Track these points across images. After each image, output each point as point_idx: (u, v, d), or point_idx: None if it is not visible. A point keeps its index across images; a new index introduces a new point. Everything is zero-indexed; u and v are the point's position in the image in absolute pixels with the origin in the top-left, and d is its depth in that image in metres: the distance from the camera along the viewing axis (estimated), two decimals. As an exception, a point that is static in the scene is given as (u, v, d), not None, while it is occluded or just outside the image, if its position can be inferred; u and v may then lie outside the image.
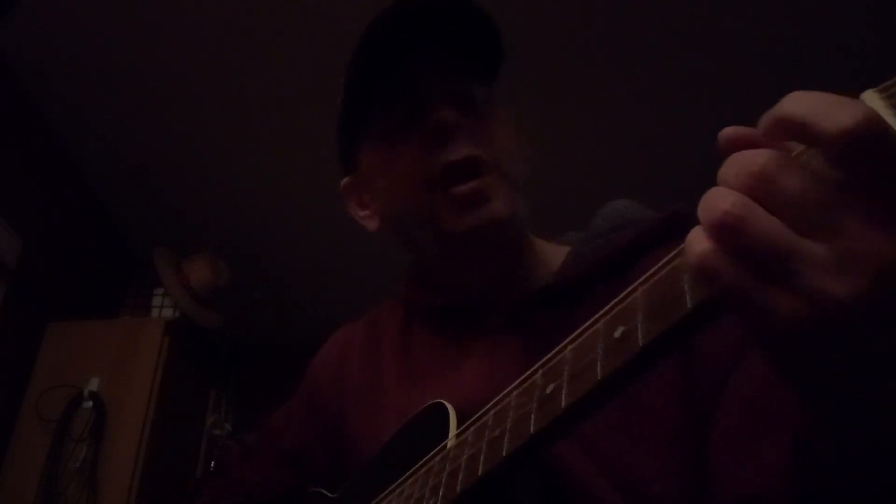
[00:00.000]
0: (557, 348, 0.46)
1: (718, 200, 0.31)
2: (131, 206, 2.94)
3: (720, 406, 0.56)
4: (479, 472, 0.47)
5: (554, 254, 0.77)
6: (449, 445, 0.55)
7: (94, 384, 2.27)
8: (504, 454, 0.45)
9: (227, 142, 2.64)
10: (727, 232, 0.31)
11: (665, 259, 0.39)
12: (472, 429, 0.52)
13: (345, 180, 0.83)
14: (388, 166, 0.74)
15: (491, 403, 0.50)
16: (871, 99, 0.30)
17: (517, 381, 0.49)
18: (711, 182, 0.34)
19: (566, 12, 2.20)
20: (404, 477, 0.60)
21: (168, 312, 2.70)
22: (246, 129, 2.57)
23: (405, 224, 0.75)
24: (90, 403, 2.22)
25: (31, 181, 2.47)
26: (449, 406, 0.60)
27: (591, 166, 2.67)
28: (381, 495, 0.63)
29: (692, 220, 0.34)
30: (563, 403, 0.42)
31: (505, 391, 0.50)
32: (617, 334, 0.39)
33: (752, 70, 2.35)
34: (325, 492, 0.77)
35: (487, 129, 0.72)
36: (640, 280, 0.40)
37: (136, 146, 2.65)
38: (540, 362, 0.47)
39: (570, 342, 0.45)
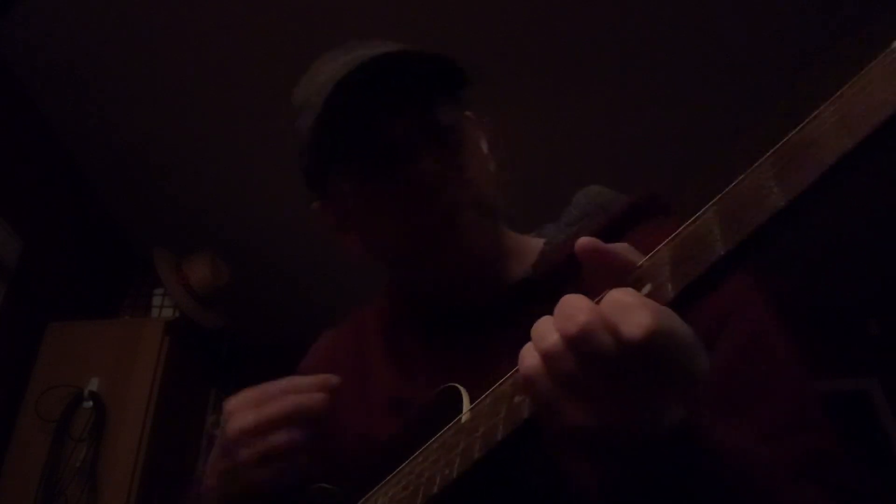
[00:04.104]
0: None
1: (546, 335, 0.42)
2: (131, 206, 2.94)
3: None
4: (499, 437, 0.48)
5: (531, 248, 0.78)
6: (464, 419, 0.56)
7: (94, 384, 2.27)
8: (525, 416, 0.46)
9: (227, 142, 2.64)
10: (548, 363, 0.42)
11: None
12: (489, 400, 0.53)
13: (315, 205, 0.82)
14: (364, 210, 0.74)
15: (508, 375, 0.51)
16: None
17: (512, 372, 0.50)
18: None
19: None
20: (414, 456, 0.61)
21: (168, 312, 2.70)
22: (247, 129, 2.57)
23: (388, 259, 0.78)
24: (90, 403, 2.22)
25: (31, 181, 2.47)
26: (461, 388, 0.60)
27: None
28: (390, 476, 0.64)
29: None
30: None
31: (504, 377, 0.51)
32: None
33: (735, 65, 2.36)
34: (326, 486, 0.77)
35: (461, 164, 0.72)
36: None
37: (137, 146, 2.65)
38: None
39: None
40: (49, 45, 2.26)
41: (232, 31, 2.23)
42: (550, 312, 0.45)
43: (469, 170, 0.73)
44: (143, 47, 2.28)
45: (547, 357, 0.41)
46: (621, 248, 0.45)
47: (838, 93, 0.37)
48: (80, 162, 2.71)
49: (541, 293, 0.63)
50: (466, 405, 0.58)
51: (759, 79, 2.38)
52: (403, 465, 0.62)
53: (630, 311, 0.38)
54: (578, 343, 0.39)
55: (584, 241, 0.44)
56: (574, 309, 0.40)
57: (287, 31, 2.20)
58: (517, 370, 0.49)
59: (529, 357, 0.43)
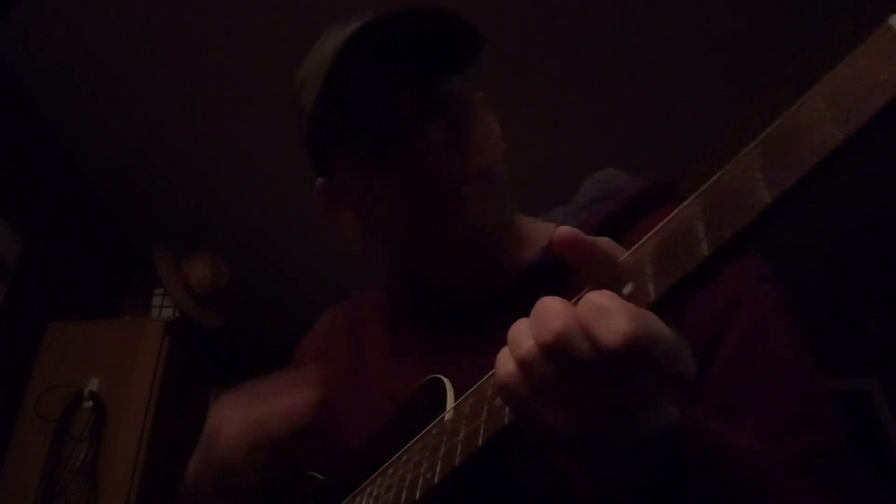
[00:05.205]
0: None
1: (521, 342, 0.40)
2: (131, 207, 2.94)
3: (702, 381, 0.58)
4: (480, 442, 0.47)
5: (541, 232, 0.76)
6: (447, 418, 0.55)
7: (94, 384, 2.27)
8: (506, 422, 0.45)
9: (227, 142, 2.64)
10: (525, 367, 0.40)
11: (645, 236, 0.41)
12: (472, 399, 0.52)
13: (319, 182, 0.79)
14: (368, 182, 0.71)
15: (491, 372, 0.50)
16: None
17: None
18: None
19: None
20: (399, 453, 0.60)
21: (168, 312, 2.70)
22: (247, 129, 2.57)
23: (391, 237, 0.75)
24: (90, 403, 2.22)
25: (31, 181, 2.47)
26: (446, 380, 0.59)
27: (576, 143, 2.67)
28: (375, 473, 0.64)
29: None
30: None
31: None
32: None
33: (736, 58, 2.36)
34: (317, 475, 0.77)
35: (467, 136, 0.70)
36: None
37: (137, 146, 2.65)
38: None
39: None
40: (49, 45, 2.26)
41: (232, 31, 2.23)
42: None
43: (477, 143, 0.71)
44: (143, 47, 2.28)
45: (522, 364, 0.40)
46: (602, 241, 0.43)
47: (829, 74, 0.32)
48: (80, 162, 2.71)
49: (550, 280, 0.59)
50: (450, 401, 0.57)
51: (768, 66, 2.38)
52: (387, 463, 0.62)
53: (608, 315, 0.36)
54: (554, 350, 0.38)
55: (562, 231, 0.42)
56: (549, 313, 0.39)
57: (287, 31, 2.20)
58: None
59: (505, 363, 0.41)
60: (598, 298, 0.38)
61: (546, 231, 0.75)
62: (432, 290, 0.77)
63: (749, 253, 0.66)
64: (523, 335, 0.40)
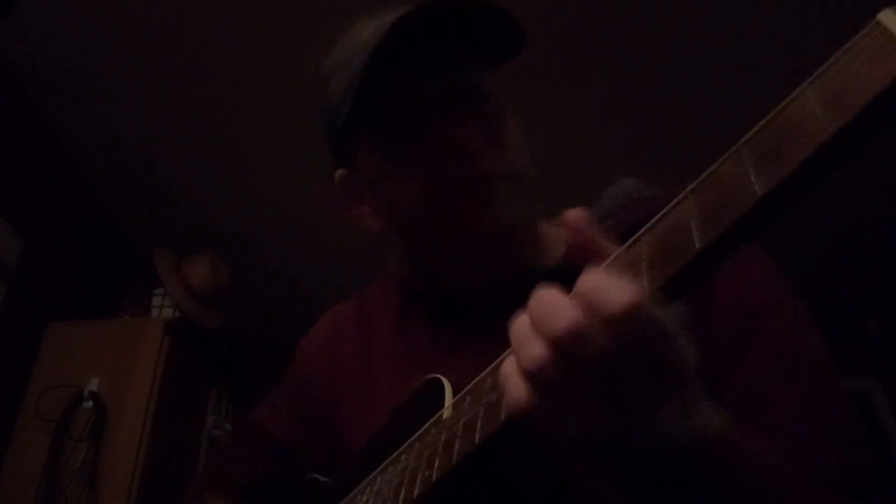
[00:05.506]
0: None
1: (529, 347, 0.39)
2: (131, 207, 2.94)
3: (724, 388, 0.57)
4: (477, 439, 0.47)
5: (560, 238, 0.75)
6: (445, 416, 0.55)
7: (94, 384, 2.27)
8: (502, 419, 0.45)
9: (227, 142, 2.64)
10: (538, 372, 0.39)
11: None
12: (469, 396, 0.52)
13: (340, 173, 0.77)
14: (395, 173, 0.71)
15: (489, 368, 0.50)
16: (888, 17, 0.31)
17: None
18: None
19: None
20: (398, 452, 0.60)
21: (168, 312, 2.70)
22: (247, 129, 2.57)
23: (413, 231, 0.74)
24: (90, 403, 2.22)
25: (31, 181, 2.47)
26: (444, 380, 0.59)
27: (576, 143, 2.67)
28: (375, 472, 0.64)
29: None
30: None
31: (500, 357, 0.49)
32: None
33: (736, 58, 2.36)
34: (318, 477, 0.77)
35: (499, 133, 0.70)
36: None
37: (137, 146, 2.65)
38: None
39: None
40: (49, 45, 2.26)
41: (232, 31, 2.22)
42: None
43: (509, 142, 0.70)
44: (143, 47, 2.28)
45: (531, 372, 0.39)
46: (603, 238, 0.43)
47: (820, 70, 0.33)
48: (80, 162, 2.71)
49: (569, 285, 0.60)
50: (448, 399, 0.57)
51: (768, 66, 2.38)
52: (387, 461, 0.62)
53: (609, 289, 0.37)
54: (567, 344, 0.37)
55: (574, 212, 0.42)
56: (553, 307, 0.38)
57: (287, 31, 2.20)
58: (500, 361, 0.48)
59: (513, 378, 0.40)
60: (595, 278, 0.38)
61: (565, 237, 0.75)
62: (447, 288, 0.76)
63: (766, 259, 0.65)
64: (529, 338, 0.39)
